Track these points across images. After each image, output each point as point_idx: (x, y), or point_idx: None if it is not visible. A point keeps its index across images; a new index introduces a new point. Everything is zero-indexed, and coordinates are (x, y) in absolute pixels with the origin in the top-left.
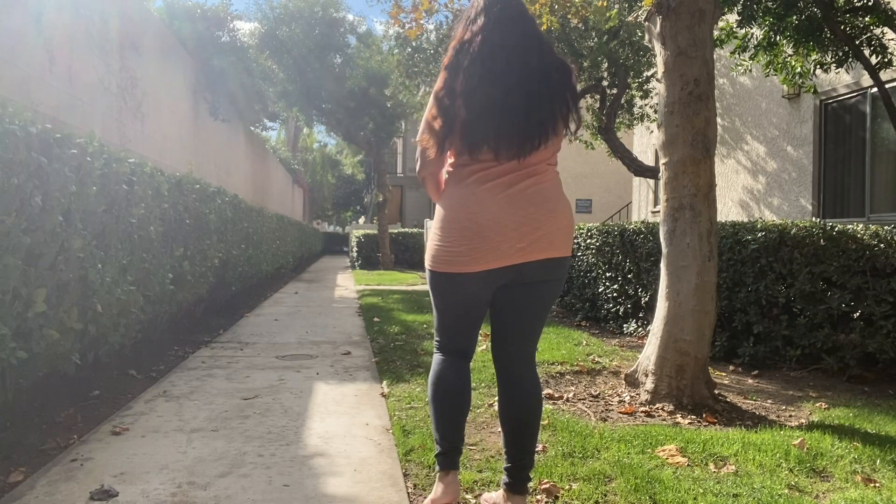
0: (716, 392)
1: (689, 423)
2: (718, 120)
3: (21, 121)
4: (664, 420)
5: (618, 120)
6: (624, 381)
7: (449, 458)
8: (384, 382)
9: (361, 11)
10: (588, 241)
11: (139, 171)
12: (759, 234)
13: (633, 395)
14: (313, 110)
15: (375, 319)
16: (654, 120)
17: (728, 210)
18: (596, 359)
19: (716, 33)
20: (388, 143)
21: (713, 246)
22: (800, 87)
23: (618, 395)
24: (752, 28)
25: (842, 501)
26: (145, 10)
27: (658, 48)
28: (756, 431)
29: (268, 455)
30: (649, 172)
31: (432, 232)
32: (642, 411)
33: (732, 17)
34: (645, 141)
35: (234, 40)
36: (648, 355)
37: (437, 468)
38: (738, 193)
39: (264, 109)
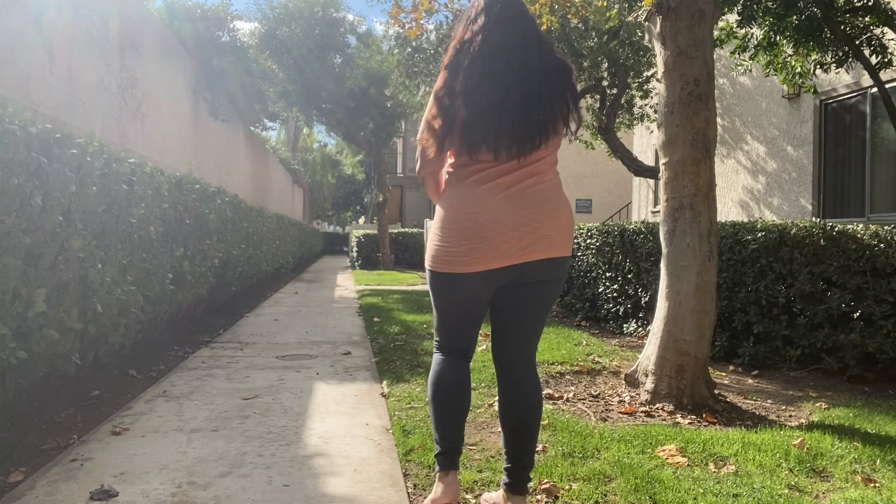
0: (716, 392)
1: (689, 423)
2: (718, 120)
3: (21, 121)
4: (664, 420)
5: (618, 120)
6: (624, 381)
7: (449, 458)
8: (384, 382)
9: (361, 11)
10: (588, 241)
11: (139, 171)
12: (759, 234)
13: (633, 395)
14: (313, 110)
15: (375, 319)
16: (654, 120)
17: (728, 210)
18: (596, 359)
19: (716, 33)
20: (388, 143)
21: (713, 246)
22: (800, 87)
23: (618, 395)
24: (752, 28)
25: (842, 501)
26: (145, 10)
27: (658, 48)
28: (756, 431)
29: (268, 455)
30: (649, 172)
31: (432, 232)
32: (642, 411)
33: (732, 17)
34: (645, 141)
35: (234, 40)
36: (648, 355)
37: (436, 468)
38: (738, 193)
39: (264, 109)
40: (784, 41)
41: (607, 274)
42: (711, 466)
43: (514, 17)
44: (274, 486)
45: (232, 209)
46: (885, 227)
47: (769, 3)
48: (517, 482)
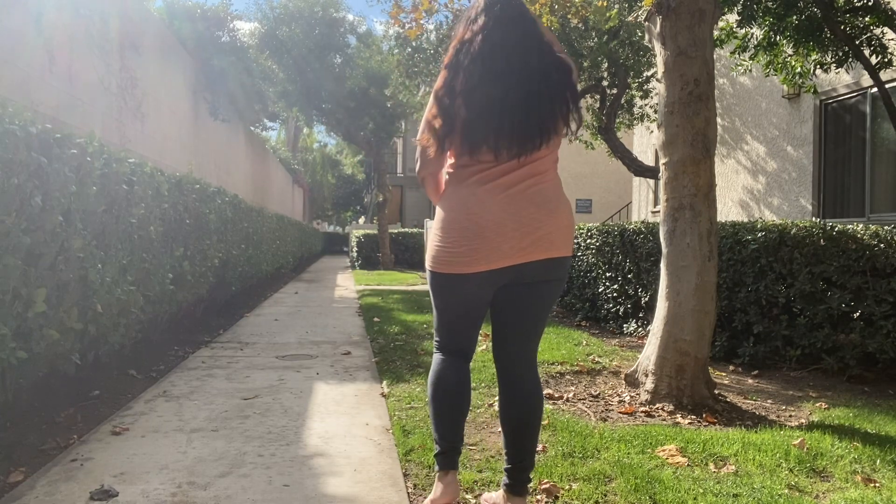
0: (716, 392)
1: (689, 423)
2: (718, 120)
3: (21, 121)
4: (664, 420)
5: (618, 120)
6: (624, 381)
7: (448, 457)
8: (384, 382)
9: (361, 11)
10: (588, 241)
11: (139, 171)
12: (759, 234)
13: (633, 395)
14: (313, 110)
15: (375, 319)
16: (654, 120)
17: (728, 210)
18: (596, 359)
19: (716, 33)
20: (388, 143)
21: (713, 246)
22: (800, 87)
23: (618, 395)
24: (752, 28)
25: (842, 501)
26: (145, 10)
27: (658, 48)
28: (756, 431)
29: (268, 455)
30: (649, 172)
31: (433, 233)
32: (642, 411)
33: (732, 17)
34: (645, 141)
35: (234, 40)
36: (648, 355)
37: (436, 468)
38: (738, 193)
39: (264, 109)
40: (784, 41)
41: (607, 274)
42: (711, 466)
43: (514, 16)
44: (274, 486)
45: (232, 209)
46: (885, 227)
47: (769, 3)
48: (517, 483)
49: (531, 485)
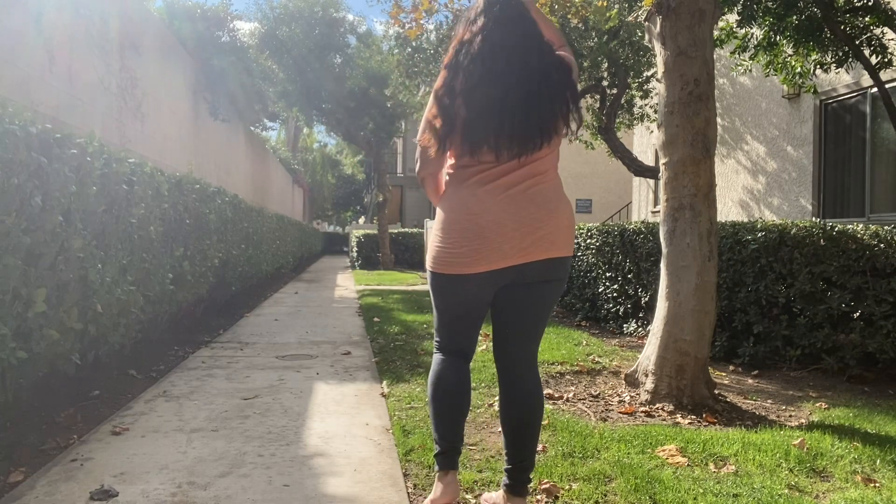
0: (716, 392)
1: (689, 423)
2: (718, 120)
3: (21, 121)
4: (664, 420)
5: (618, 120)
6: (624, 381)
7: (448, 457)
8: (384, 382)
9: (361, 11)
10: (588, 241)
11: (139, 171)
12: (759, 234)
13: (633, 395)
14: (313, 110)
15: (375, 319)
16: (654, 120)
17: (728, 210)
18: (596, 359)
19: (716, 33)
20: (388, 143)
21: (713, 246)
22: (800, 87)
23: (618, 395)
24: (752, 28)
25: (842, 501)
26: (145, 10)
27: (658, 48)
28: (756, 431)
29: (268, 455)
30: (649, 172)
31: (433, 233)
32: (642, 411)
33: (732, 17)
34: (645, 141)
35: (234, 40)
36: (648, 355)
37: (436, 468)
38: (738, 193)
39: (264, 109)
40: (784, 41)
41: (607, 274)
42: (711, 466)
43: (514, 17)
44: (274, 486)
45: (232, 209)
46: (885, 227)
47: (769, 3)
48: (517, 483)
49: (531, 485)
